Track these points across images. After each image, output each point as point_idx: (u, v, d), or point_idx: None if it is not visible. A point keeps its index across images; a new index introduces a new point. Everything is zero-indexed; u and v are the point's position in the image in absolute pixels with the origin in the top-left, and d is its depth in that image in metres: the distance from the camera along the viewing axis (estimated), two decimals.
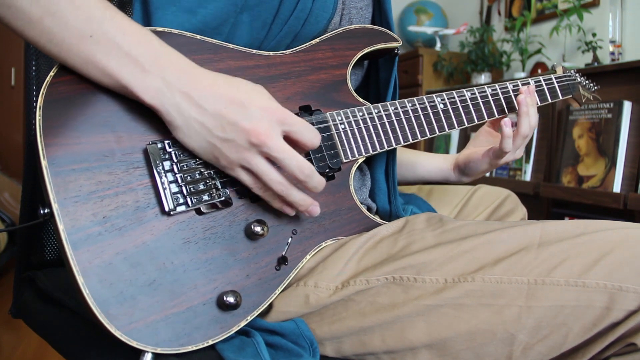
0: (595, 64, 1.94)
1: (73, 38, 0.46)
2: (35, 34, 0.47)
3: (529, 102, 0.73)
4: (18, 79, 3.00)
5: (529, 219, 0.95)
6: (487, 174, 2.08)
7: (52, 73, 0.49)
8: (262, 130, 0.49)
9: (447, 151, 2.32)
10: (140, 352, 0.46)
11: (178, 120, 0.49)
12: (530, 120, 0.74)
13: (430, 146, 2.46)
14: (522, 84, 0.77)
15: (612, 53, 1.98)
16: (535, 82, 0.80)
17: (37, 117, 0.47)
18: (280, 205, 0.54)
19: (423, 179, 0.91)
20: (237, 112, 0.49)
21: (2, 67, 3.00)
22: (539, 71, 2.30)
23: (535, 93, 0.76)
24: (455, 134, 2.31)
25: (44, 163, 0.45)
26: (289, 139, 0.51)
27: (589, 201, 1.61)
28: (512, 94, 0.76)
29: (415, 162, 0.91)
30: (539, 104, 0.79)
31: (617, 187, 1.57)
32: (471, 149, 0.84)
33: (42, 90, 0.48)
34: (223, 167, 0.51)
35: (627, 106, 1.58)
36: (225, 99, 0.49)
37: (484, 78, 2.46)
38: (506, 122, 0.72)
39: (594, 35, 2.03)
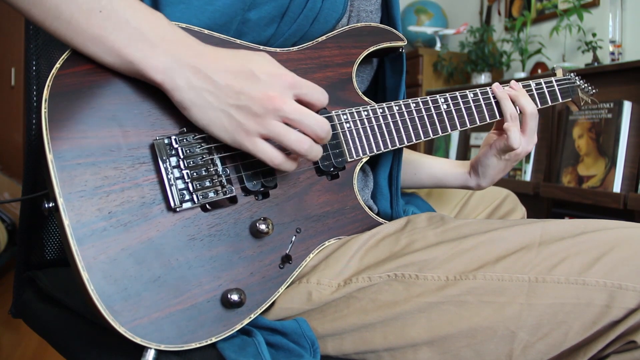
0: (595, 64, 1.94)
1: (82, 14, 0.46)
2: (42, 11, 0.46)
3: (510, 92, 0.75)
4: (18, 79, 2.99)
5: (528, 218, 0.96)
6: None
7: (57, 65, 0.48)
8: (276, 95, 0.49)
9: (447, 152, 2.32)
10: (142, 350, 0.46)
11: (190, 95, 0.49)
12: (522, 101, 0.74)
13: (430, 147, 2.47)
14: (523, 86, 0.78)
15: (612, 53, 1.98)
16: (536, 84, 0.80)
17: (43, 110, 0.46)
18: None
19: (433, 182, 0.87)
20: (248, 82, 0.49)
21: (2, 67, 2.99)
22: (539, 71, 2.30)
23: (521, 87, 0.77)
24: (455, 135, 2.31)
25: (49, 157, 0.45)
26: (299, 102, 0.52)
27: (589, 201, 1.61)
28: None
29: (419, 163, 0.87)
30: (539, 106, 0.79)
31: (617, 187, 1.57)
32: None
33: (48, 83, 0.47)
34: (241, 142, 0.50)
35: (627, 106, 1.59)
36: (234, 70, 0.49)
37: (484, 78, 2.46)
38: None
39: (594, 35, 2.03)
